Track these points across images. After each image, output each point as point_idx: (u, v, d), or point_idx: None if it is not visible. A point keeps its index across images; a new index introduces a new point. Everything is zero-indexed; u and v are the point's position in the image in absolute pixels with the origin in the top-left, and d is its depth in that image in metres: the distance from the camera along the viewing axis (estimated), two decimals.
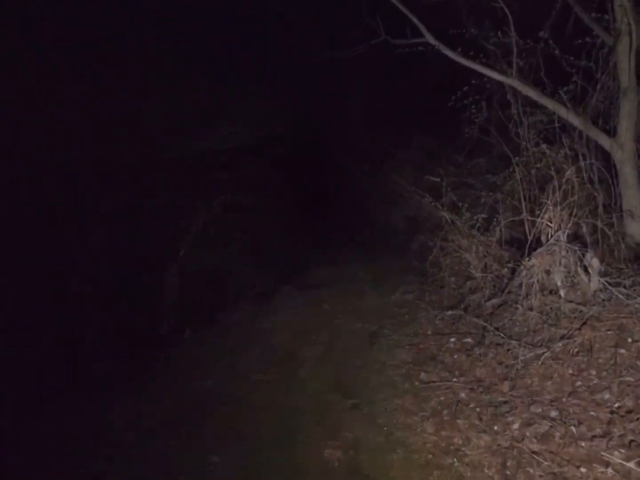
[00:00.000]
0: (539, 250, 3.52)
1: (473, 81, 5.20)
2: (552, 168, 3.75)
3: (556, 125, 4.51)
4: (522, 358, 3.11)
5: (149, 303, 5.63)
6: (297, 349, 4.24)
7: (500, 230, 4.41)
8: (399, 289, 5.85)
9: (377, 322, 4.75)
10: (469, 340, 3.75)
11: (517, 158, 4.58)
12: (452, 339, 3.90)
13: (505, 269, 4.13)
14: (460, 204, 4.62)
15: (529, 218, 3.94)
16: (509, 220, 4.28)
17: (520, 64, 4.75)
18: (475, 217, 4.44)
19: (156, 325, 5.38)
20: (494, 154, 6.74)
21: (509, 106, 4.94)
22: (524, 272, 3.53)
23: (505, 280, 4.08)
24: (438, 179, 4.69)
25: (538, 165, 4.40)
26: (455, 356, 3.58)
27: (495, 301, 4.00)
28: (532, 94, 4.61)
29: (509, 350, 3.29)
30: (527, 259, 3.53)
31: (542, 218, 3.56)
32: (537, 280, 3.43)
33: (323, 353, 4.10)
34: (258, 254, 6.30)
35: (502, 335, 3.46)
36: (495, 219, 4.54)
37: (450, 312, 4.29)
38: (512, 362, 3.18)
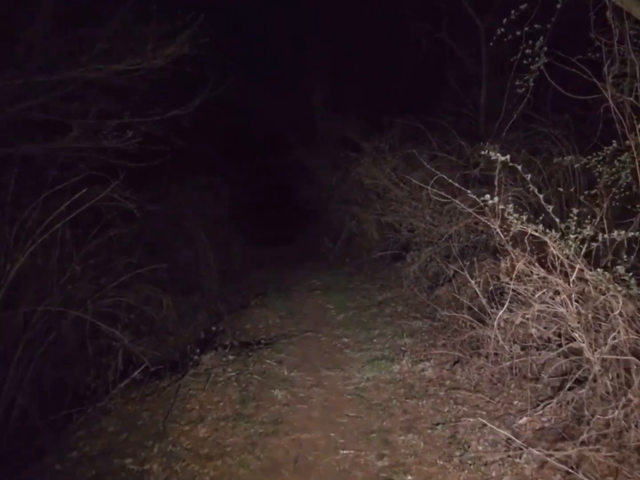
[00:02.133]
0: None
1: None
2: None
3: None
4: None
5: None
6: None
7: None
8: (402, 346, 3.52)
9: (385, 446, 2.37)
10: None
11: None
12: None
13: None
14: (549, 208, 2.31)
15: None
16: None
17: None
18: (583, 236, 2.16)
19: None
20: (506, 137, 4.63)
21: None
22: None
23: None
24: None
25: None
26: None
27: None
28: None
29: None
30: None
31: None
32: None
33: None
34: (161, 296, 3.54)
35: None
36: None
37: (555, 449, 1.98)
38: None
